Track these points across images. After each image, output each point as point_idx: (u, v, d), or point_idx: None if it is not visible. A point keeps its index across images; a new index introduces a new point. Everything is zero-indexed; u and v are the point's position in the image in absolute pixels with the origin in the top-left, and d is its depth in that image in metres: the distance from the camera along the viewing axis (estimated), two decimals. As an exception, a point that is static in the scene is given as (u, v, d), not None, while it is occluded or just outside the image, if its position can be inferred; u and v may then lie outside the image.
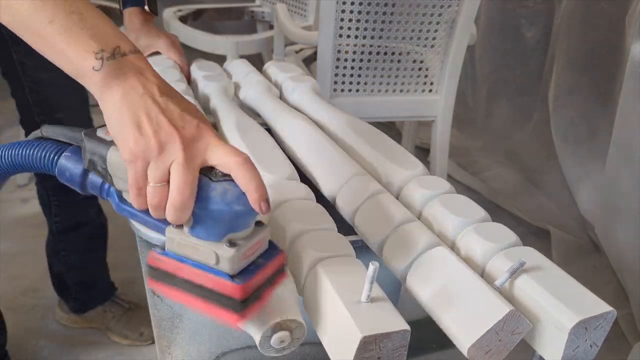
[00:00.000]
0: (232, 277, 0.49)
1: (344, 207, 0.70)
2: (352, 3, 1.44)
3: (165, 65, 1.04)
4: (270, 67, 1.10)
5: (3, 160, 0.59)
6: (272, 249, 0.54)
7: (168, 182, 0.49)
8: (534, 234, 1.93)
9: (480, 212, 0.64)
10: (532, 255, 0.58)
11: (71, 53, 0.49)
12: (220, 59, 1.39)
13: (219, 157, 0.50)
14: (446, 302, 0.54)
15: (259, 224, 0.53)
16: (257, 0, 2.53)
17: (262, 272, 0.52)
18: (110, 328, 1.48)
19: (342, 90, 1.56)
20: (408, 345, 0.54)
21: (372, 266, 0.50)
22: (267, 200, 0.49)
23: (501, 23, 2.32)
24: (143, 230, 0.73)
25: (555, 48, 2.03)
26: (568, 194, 1.97)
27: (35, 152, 0.58)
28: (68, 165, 0.57)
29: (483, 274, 0.58)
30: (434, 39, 1.54)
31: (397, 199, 0.72)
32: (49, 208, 1.38)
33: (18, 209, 1.96)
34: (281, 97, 1.02)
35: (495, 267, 0.57)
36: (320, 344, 0.82)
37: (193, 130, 0.50)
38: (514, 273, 0.53)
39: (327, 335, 0.53)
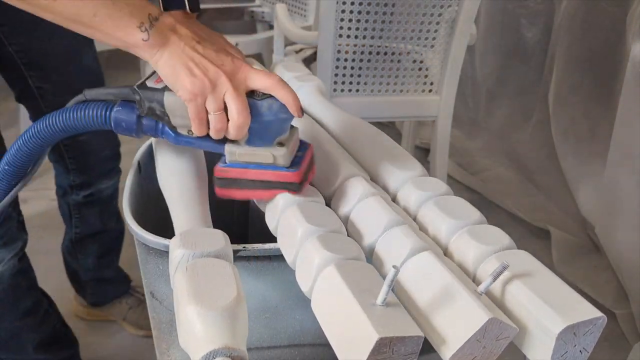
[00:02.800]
0: (288, 168, 0.66)
1: (338, 210, 0.70)
2: (352, 3, 1.44)
3: None
4: (276, 66, 1.10)
5: (57, 125, 0.68)
6: (303, 144, 0.71)
7: (224, 109, 0.63)
8: (534, 234, 1.93)
9: (476, 215, 0.64)
10: (525, 259, 0.57)
11: (120, 33, 0.60)
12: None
13: (258, 82, 0.63)
14: (428, 310, 0.53)
15: (292, 127, 0.68)
16: (257, 1, 2.52)
17: (304, 161, 0.68)
18: (126, 319, 1.51)
19: (342, 91, 1.56)
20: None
21: (393, 270, 0.50)
22: (301, 107, 0.64)
23: (501, 23, 2.32)
24: (140, 233, 0.73)
25: (555, 48, 2.03)
26: (568, 194, 1.97)
27: (88, 113, 0.68)
28: (122, 117, 0.68)
29: (475, 277, 0.58)
30: (434, 39, 1.54)
31: (394, 200, 0.72)
32: (69, 220, 1.40)
33: (18, 209, 1.96)
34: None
35: (487, 271, 0.56)
36: (319, 345, 0.82)
37: (231, 65, 0.63)
38: (497, 277, 0.52)
39: (337, 335, 0.52)
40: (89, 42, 1.17)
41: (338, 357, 0.52)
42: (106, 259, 1.46)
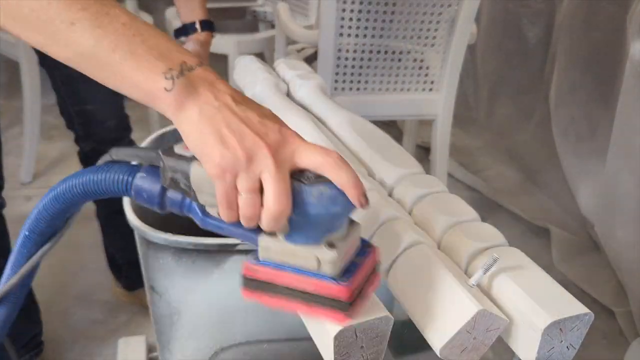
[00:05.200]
0: (335, 279, 0.49)
1: None
2: (353, 2, 1.45)
3: None
4: (279, 64, 1.11)
5: (76, 188, 0.59)
6: (365, 246, 0.54)
7: (259, 191, 0.48)
8: (534, 233, 1.94)
9: (470, 212, 0.64)
10: (515, 255, 0.58)
11: (139, 77, 0.47)
12: (221, 58, 1.40)
13: (309, 159, 0.48)
14: (421, 302, 0.54)
15: (351, 222, 0.52)
16: (259, 0, 2.53)
17: (362, 270, 0.51)
18: None
19: (343, 89, 1.57)
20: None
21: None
22: (365, 195, 0.48)
23: (503, 22, 2.32)
24: (140, 227, 0.75)
25: (556, 47, 2.04)
26: (568, 193, 1.98)
27: (109, 177, 0.57)
28: (144, 186, 0.56)
29: (466, 274, 0.58)
30: (434, 37, 1.55)
31: (390, 196, 0.73)
32: None
33: (22, 206, 1.97)
34: (288, 94, 1.03)
35: (478, 267, 0.57)
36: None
37: (277, 136, 0.48)
38: (488, 270, 0.53)
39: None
40: None
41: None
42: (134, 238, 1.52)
